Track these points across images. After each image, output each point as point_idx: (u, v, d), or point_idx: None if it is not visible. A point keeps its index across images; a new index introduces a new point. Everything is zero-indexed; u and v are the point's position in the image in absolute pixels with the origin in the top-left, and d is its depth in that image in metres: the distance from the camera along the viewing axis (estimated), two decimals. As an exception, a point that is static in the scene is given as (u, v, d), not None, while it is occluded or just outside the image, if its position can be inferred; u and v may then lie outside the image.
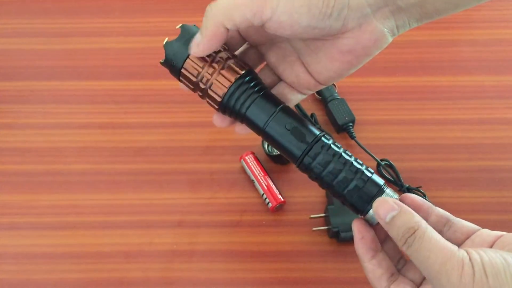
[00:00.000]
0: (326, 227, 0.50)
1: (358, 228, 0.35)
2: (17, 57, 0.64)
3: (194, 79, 0.37)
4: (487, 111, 0.58)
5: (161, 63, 0.38)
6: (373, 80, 0.60)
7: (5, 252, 0.51)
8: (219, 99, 0.36)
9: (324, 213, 0.51)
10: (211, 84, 0.36)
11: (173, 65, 0.37)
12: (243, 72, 0.36)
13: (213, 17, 0.34)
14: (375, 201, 0.33)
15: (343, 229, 0.49)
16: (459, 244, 0.35)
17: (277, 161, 0.55)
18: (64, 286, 0.49)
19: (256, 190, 0.53)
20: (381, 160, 0.54)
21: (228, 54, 0.37)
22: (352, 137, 0.55)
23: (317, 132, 0.36)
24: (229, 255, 0.51)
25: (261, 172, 0.53)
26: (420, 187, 0.52)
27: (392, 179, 0.53)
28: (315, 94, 0.59)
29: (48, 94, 0.61)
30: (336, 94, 0.58)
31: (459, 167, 0.55)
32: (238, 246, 0.51)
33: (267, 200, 0.52)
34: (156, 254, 0.51)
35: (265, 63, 0.41)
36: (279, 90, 0.40)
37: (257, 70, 0.40)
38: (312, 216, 0.51)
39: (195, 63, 0.36)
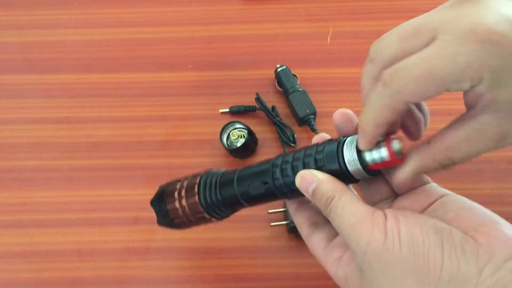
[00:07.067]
0: (284, 222, 0.49)
1: None
2: (-30, 50, 0.62)
3: (181, 214, 0.40)
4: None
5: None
6: (336, 71, 0.59)
7: (-47, 252, 0.49)
8: (202, 209, 0.39)
9: (283, 207, 0.50)
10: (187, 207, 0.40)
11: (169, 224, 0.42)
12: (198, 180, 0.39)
13: None
14: (297, 175, 0.34)
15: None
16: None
17: (237, 155, 0.54)
18: (15, 286, 0.48)
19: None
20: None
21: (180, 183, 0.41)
22: (313, 130, 0.54)
23: (267, 166, 0.36)
24: (186, 252, 0.49)
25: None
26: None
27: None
28: (276, 86, 0.57)
29: (1, 89, 0.59)
30: (297, 86, 0.56)
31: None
32: (195, 243, 0.50)
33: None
34: (110, 252, 0.49)
35: None
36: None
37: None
38: (270, 211, 0.50)
39: (173, 211, 0.41)
